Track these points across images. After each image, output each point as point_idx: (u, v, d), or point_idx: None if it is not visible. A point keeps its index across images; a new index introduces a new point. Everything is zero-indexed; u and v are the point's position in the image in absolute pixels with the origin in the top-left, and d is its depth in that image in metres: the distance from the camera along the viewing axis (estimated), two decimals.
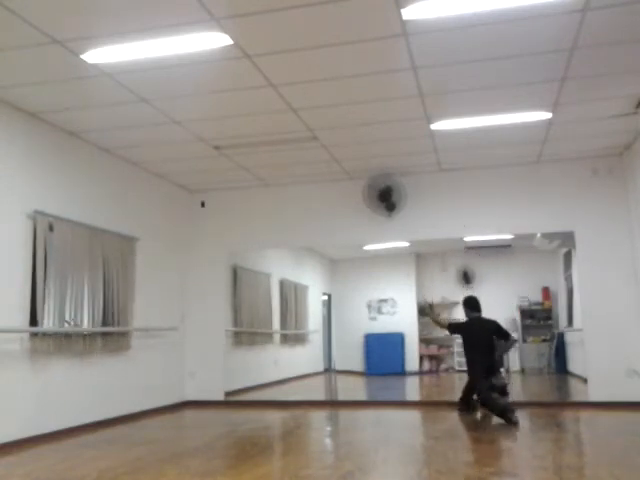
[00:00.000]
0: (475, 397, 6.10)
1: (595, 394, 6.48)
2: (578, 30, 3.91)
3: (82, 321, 5.58)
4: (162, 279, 7.20)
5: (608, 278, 6.58)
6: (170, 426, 5.92)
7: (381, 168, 7.08)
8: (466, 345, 6.41)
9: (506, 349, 6.49)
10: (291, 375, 10.38)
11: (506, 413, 5.43)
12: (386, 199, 7.11)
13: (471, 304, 6.40)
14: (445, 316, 11.85)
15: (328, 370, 12.35)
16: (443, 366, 12.06)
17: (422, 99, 5.04)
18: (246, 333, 8.84)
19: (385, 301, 12.40)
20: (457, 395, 6.53)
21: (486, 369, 5.98)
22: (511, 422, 5.34)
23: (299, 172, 7.22)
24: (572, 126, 5.80)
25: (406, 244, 8.99)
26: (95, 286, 5.81)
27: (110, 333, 5.99)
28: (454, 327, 6.72)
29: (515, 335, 11.01)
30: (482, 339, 6.12)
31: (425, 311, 7.43)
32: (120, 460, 4.16)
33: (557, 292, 11.20)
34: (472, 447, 4.50)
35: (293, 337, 10.94)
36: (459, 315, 10.63)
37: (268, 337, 9.85)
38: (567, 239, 7.49)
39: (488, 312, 6.47)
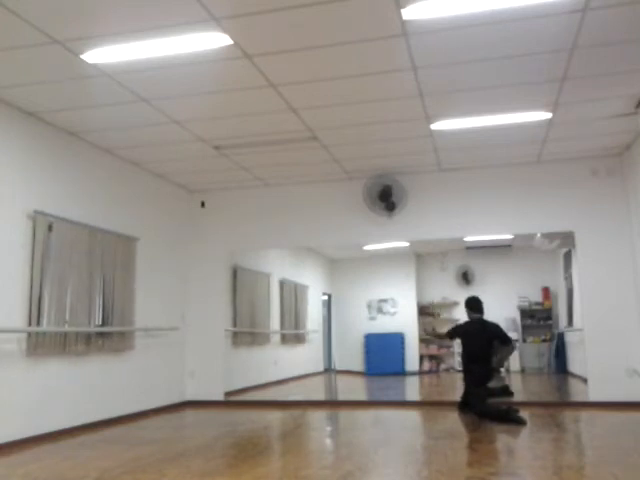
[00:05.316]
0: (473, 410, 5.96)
1: (595, 394, 6.49)
2: (578, 30, 3.91)
3: (81, 321, 5.58)
4: (162, 279, 7.20)
5: (608, 278, 6.59)
6: (170, 426, 5.92)
7: (381, 168, 7.09)
8: (464, 351, 6.38)
9: (506, 355, 6.35)
10: (291, 375, 10.39)
11: (510, 415, 5.42)
12: (386, 199, 7.12)
13: (472, 305, 6.33)
14: (445, 316, 11.88)
15: (328, 370, 12.35)
16: (443, 366, 12.07)
17: (422, 99, 5.04)
18: (246, 333, 8.84)
19: (385, 301, 12.40)
20: (457, 395, 6.53)
21: (481, 378, 5.96)
22: (520, 421, 5.31)
23: (299, 172, 7.22)
24: (572, 126, 5.80)
25: (406, 244, 8.99)
26: (95, 286, 5.81)
27: (110, 333, 6.00)
28: (453, 333, 6.64)
29: (515, 335, 11.04)
30: (480, 348, 6.08)
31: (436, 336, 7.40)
32: (120, 460, 4.16)
33: (557, 292, 11.20)
34: (472, 447, 4.50)
35: (293, 337, 10.94)
36: (459, 315, 10.66)
37: (268, 337, 9.85)
38: (567, 239, 7.50)
39: (488, 312, 6.46)
